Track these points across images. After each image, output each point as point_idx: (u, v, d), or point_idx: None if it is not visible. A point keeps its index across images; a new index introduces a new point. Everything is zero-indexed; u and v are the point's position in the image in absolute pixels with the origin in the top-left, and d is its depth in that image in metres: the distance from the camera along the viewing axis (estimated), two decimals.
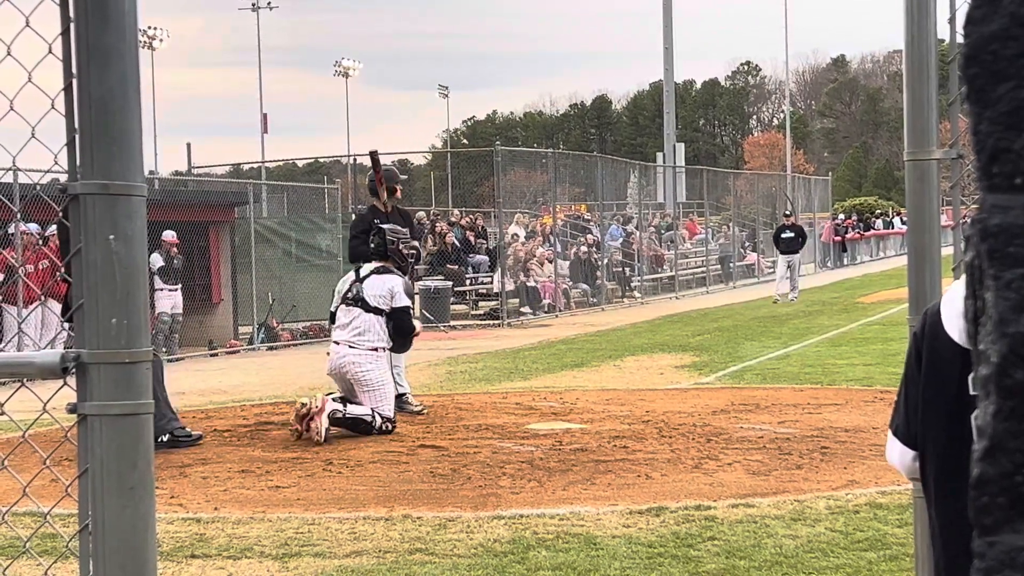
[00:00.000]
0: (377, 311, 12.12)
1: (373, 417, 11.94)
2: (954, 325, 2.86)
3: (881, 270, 49.39)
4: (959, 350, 2.84)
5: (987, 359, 1.20)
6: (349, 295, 12.44)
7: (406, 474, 10.26)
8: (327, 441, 11.83)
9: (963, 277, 2.93)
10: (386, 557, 7.59)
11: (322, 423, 11.69)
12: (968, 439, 2.86)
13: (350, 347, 12.09)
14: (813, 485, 9.35)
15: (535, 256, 31.32)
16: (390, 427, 12.08)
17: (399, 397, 13.42)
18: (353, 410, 11.90)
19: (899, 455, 3.11)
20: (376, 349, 12.06)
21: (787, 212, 35.93)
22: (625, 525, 8.21)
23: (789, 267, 33.01)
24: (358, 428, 11.96)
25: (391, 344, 12.30)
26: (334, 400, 11.98)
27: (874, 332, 22.43)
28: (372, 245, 12.60)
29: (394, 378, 13.41)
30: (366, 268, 12.52)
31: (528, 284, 30.77)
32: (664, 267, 40.38)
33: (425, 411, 13.32)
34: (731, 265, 43.50)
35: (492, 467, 10.38)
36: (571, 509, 8.70)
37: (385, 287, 12.19)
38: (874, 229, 66.54)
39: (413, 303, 12.79)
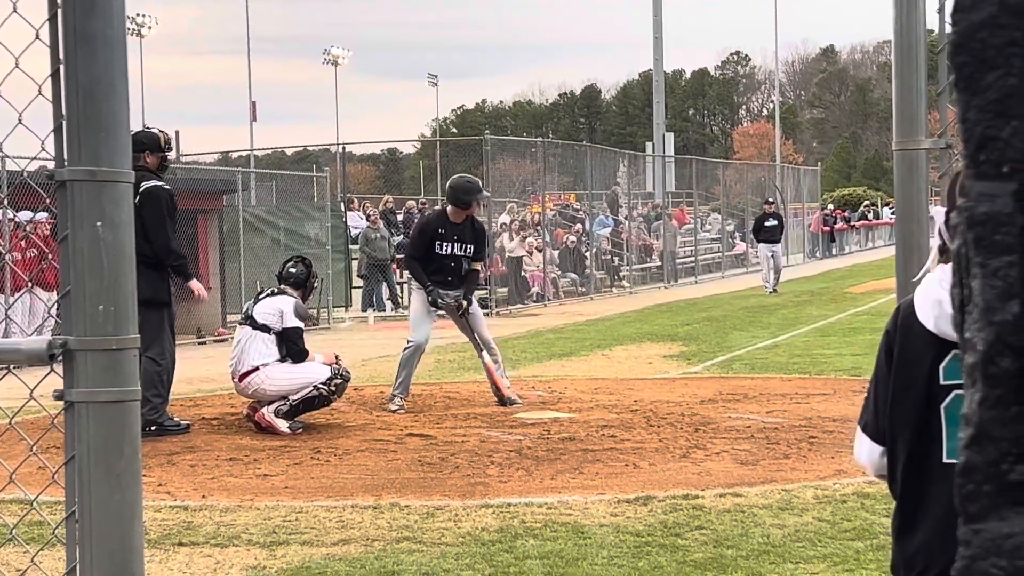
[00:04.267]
0: (265, 328, 11.91)
1: (316, 389, 11.83)
2: (928, 314, 2.87)
3: (870, 260, 49.46)
4: (933, 339, 2.85)
5: (973, 347, 1.20)
6: (243, 315, 12.33)
7: (394, 463, 10.26)
8: (315, 429, 11.83)
9: (938, 270, 2.94)
10: (374, 545, 7.60)
11: (277, 424, 11.65)
12: (936, 430, 2.87)
13: (240, 380, 11.88)
14: (801, 474, 9.37)
15: (525, 252, 31.29)
16: (340, 382, 11.89)
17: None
18: (294, 397, 11.76)
19: (868, 451, 3.12)
20: (256, 368, 11.73)
21: (770, 200, 35.74)
22: (613, 514, 8.22)
23: (772, 256, 32.83)
24: (315, 406, 11.90)
25: (277, 358, 11.96)
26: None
27: (862, 322, 22.46)
28: (293, 271, 12.37)
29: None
30: (266, 291, 12.38)
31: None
32: (653, 257, 40.37)
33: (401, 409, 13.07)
34: (674, 263, 41.11)
35: (480, 456, 10.38)
36: (559, 498, 8.71)
37: (275, 306, 11.93)
38: (869, 219, 66.46)
39: (307, 325, 12.49)
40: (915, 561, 2.92)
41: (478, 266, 13.62)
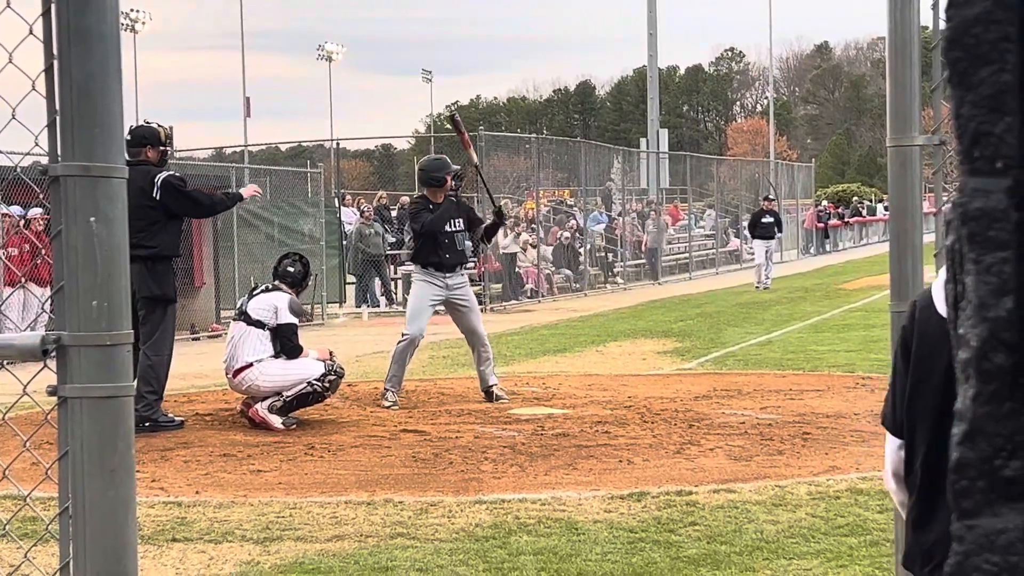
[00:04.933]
0: (259, 324, 11.90)
1: (310, 385, 11.81)
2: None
3: (863, 256, 49.49)
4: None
5: (967, 343, 1.20)
6: (237, 310, 12.34)
7: (388, 458, 10.26)
8: (309, 425, 11.83)
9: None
10: (367, 541, 7.60)
11: (271, 420, 11.63)
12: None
13: (234, 375, 11.86)
14: (794, 471, 9.37)
15: (519, 248, 31.29)
16: (334, 378, 11.86)
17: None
18: (288, 393, 11.74)
19: (888, 445, 3.12)
20: (251, 364, 11.72)
21: (770, 197, 35.77)
22: (606, 510, 8.22)
23: (767, 252, 32.89)
24: (309, 402, 11.88)
25: (271, 354, 11.95)
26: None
27: (856, 318, 22.48)
28: (291, 270, 12.37)
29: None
30: (261, 287, 12.37)
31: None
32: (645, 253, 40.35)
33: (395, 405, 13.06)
34: (658, 259, 39.79)
35: (474, 452, 10.39)
36: (553, 494, 8.71)
37: (270, 302, 11.90)
38: (863, 215, 66.42)
39: (301, 321, 12.52)
40: (934, 552, 2.92)
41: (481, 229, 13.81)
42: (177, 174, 12.35)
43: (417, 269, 13.51)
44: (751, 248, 36.71)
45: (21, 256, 19.46)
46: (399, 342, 13.07)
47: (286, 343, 11.83)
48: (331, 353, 12.26)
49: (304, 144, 74.61)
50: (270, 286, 12.24)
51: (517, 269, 31.07)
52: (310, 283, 12.67)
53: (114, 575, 2.40)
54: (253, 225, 26.75)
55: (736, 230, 47.39)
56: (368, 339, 21.17)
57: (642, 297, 31.37)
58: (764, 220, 33.23)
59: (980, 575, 1.19)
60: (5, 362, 2.66)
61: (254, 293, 12.20)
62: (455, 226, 13.27)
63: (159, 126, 12.29)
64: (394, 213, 33.63)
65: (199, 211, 12.57)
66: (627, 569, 6.89)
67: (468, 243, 13.45)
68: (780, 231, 35.49)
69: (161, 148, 12.05)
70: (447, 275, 13.20)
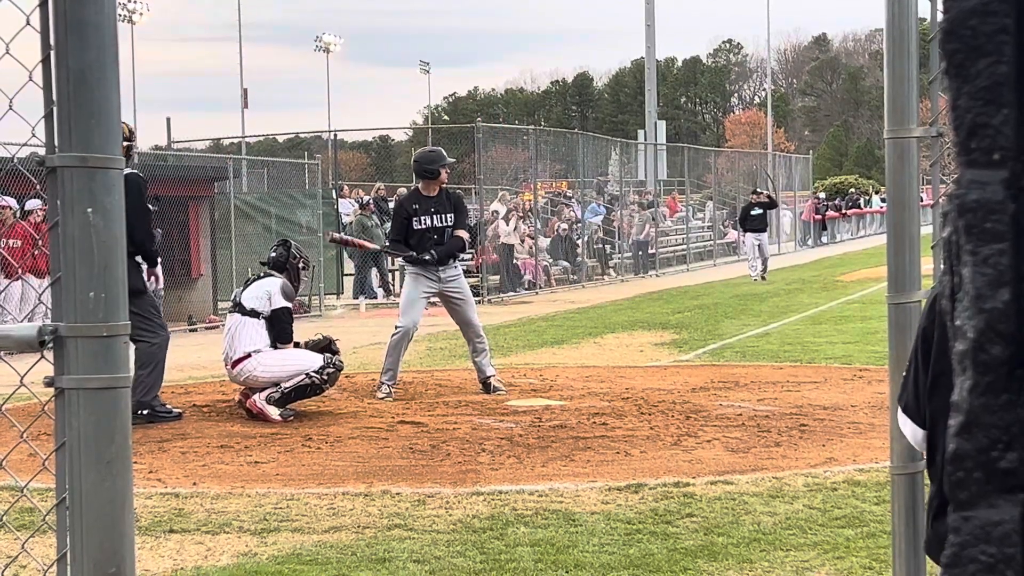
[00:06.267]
0: (254, 313, 11.90)
1: (309, 377, 11.81)
2: None
3: (861, 248, 49.49)
4: None
5: (964, 335, 1.20)
6: (232, 301, 12.35)
7: (385, 450, 10.26)
8: (306, 416, 11.83)
9: None
10: (365, 533, 7.60)
11: (268, 411, 11.62)
12: None
13: (232, 366, 11.85)
14: (791, 462, 9.38)
15: (518, 240, 31.28)
16: (333, 371, 11.86)
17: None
18: (287, 385, 11.73)
19: (911, 432, 3.12)
20: (249, 355, 11.72)
21: (758, 190, 35.71)
22: (604, 502, 8.22)
23: (758, 246, 32.80)
24: (307, 394, 11.87)
25: (269, 344, 11.92)
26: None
27: (853, 310, 22.49)
28: (274, 254, 12.37)
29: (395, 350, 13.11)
30: (254, 276, 12.36)
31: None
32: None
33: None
34: (649, 251, 39.44)
35: (471, 443, 10.39)
36: (550, 485, 8.71)
37: (263, 289, 11.90)
38: (860, 207, 66.38)
39: (295, 305, 12.50)
40: None
41: (461, 233, 13.44)
42: (141, 175, 11.96)
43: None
44: (745, 240, 36.78)
45: (22, 247, 19.43)
46: (393, 335, 13.08)
47: (278, 325, 11.79)
48: (332, 341, 12.22)
49: (302, 135, 74.57)
50: (262, 273, 12.29)
51: (515, 261, 31.06)
52: (302, 267, 12.61)
53: (111, 566, 2.40)
54: (251, 216, 26.76)
55: (733, 222, 47.40)
56: (365, 331, 21.17)
57: (639, 289, 31.37)
58: (753, 213, 33.10)
59: (976, 566, 1.20)
60: (2, 353, 2.66)
61: (248, 283, 12.24)
62: (444, 221, 13.22)
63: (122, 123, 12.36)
64: (391, 205, 33.60)
65: (140, 224, 11.17)
66: (624, 560, 6.89)
67: (463, 233, 13.39)
68: (774, 207, 35.57)
69: (126, 143, 12.07)
70: (440, 268, 13.16)
